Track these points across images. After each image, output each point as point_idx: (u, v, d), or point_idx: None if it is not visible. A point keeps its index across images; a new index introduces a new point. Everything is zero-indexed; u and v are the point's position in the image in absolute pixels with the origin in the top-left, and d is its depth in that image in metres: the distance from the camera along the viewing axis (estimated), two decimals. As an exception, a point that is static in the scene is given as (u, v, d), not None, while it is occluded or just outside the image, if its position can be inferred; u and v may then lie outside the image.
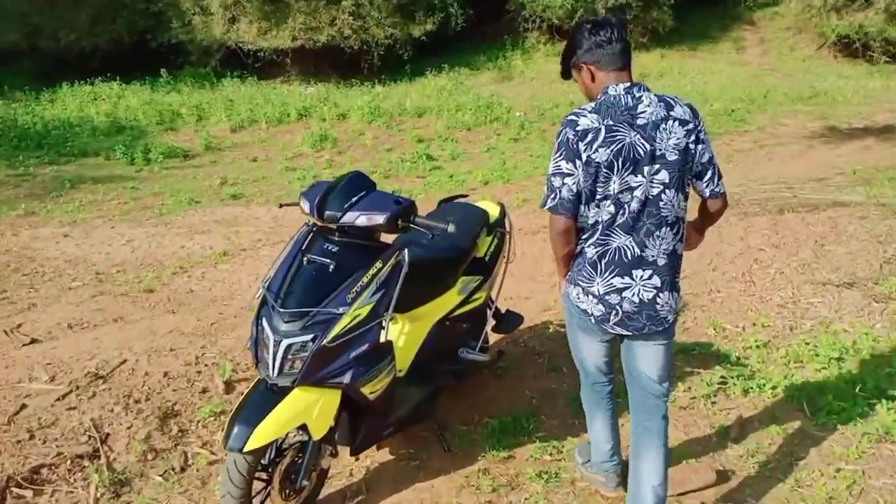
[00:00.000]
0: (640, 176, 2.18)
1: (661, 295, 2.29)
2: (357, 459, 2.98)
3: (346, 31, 15.31)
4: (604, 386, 2.61)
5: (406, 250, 2.48)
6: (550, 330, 4.28)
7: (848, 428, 3.16)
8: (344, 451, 2.75)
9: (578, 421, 3.15)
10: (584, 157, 2.15)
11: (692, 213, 2.41)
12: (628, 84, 2.23)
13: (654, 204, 2.21)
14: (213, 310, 4.52)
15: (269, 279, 2.41)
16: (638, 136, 2.18)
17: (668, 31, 17.50)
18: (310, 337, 2.24)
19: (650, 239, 2.25)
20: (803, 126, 11.70)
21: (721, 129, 11.31)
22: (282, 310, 2.28)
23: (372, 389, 2.46)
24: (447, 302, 2.98)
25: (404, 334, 2.88)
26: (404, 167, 9.41)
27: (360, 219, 2.35)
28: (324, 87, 15.38)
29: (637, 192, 2.19)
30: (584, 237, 2.29)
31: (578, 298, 2.33)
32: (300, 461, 2.51)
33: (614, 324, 2.30)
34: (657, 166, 2.19)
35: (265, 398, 2.32)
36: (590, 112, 2.21)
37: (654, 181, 2.20)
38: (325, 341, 2.25)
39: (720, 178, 2.31)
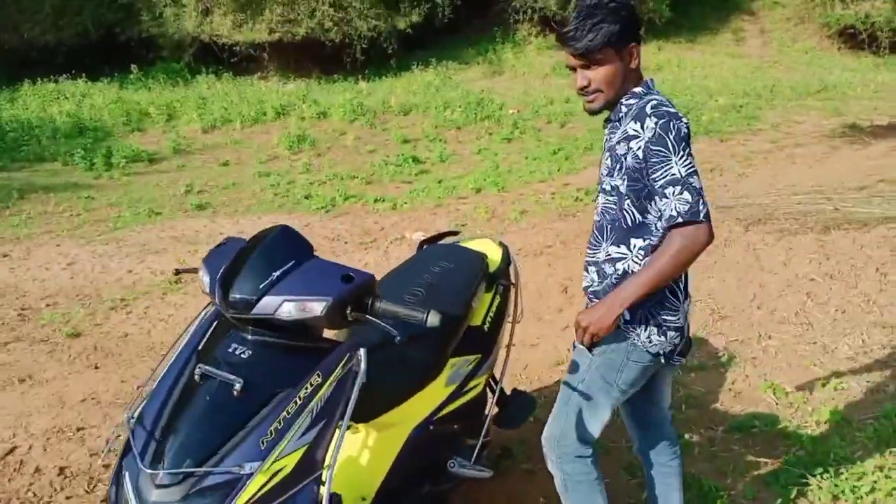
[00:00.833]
0: None
1: None
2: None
3: (326, 23, 14.45)
4: (594, 458, 2.11)
5: (361, 353, 1.63)
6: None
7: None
8: None
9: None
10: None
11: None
12: None
13: None
14: (145, 364, 3.73)
15: (137, 408, 1.60)
16: None
17: (664, 22, 16.73)
18: None
19: None
20: (819, 123, 10.96)
21: (732, 127, 10.56)
22: (149, 470, 1.42)
23: None
24: (430, 398, 2.13)
25: (369, 449, 2.04)
26: (388, 171, 8.61)
27: (286, 307, 1.54)
28: (304, 84, 14.53)
29: None
30: None
31: (650, 341, 1.94)
32: None
33: (680, 352, 2.02)
34: None
35: None
36: (668, 101, 1.90)
37: None
38: None
39: None
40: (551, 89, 13.62)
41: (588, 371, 1.99)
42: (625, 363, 1.96)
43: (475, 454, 2.31)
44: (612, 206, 1.93)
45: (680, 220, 1.73)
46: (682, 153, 1.76)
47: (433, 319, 1.60)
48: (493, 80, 15.29)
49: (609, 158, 1.94)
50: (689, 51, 17.24)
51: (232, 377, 1.50)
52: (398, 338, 1.61)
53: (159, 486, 1.43)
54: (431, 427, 2.13)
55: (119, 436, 1.58)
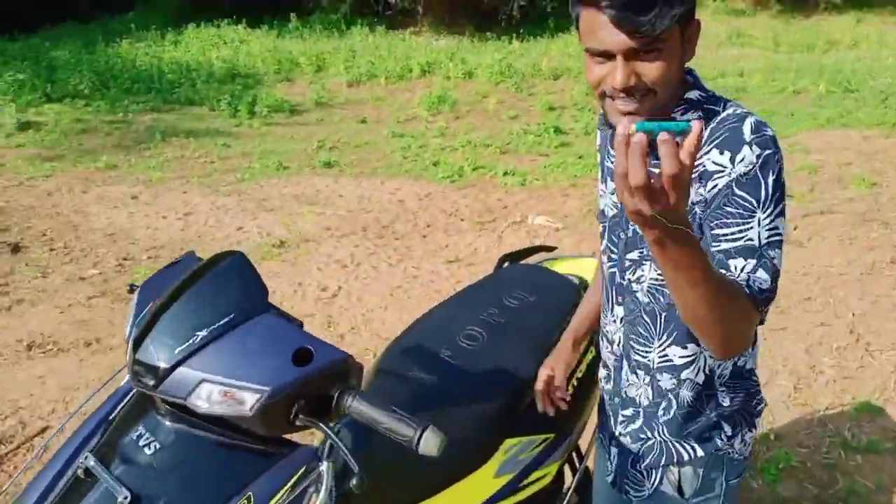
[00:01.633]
0: None
1: None
2: None
3: (484, -24, 13.80)
4: None
5: (323, 467, 1.06)
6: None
7: None
8: None
9: None
10: None
11: None
12: None
13: None
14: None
15: None
16: None
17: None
18: None
19: None
20: None
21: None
22: None
23: None
24: (471, 494, 1.52)
25: None
26: (526, 141, 7.96)
27: (205, 390, 1.03)
28: (455, 41, 14.03)
29: None
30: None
31: (745, 444, 1.44)
32: None
33: None
34: None
35: None
36: None
37: None
38: None
39: None
40: (724, 60, 12.22)
41: None
42: (724, 492, 1.43)
43: None
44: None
45: (750, 298, 1.14)
46: (772, 208, 1.16)
47: (429, 446, 1.02)
48: (659, 47, 13.99)
49: None
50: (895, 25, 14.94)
51: (115, 485, 1.02)
52: (357, 481, 1.04)
53: None
54: None
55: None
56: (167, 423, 1.11)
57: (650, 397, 1.41)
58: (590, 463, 1.86)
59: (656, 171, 0.90)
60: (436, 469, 1.40)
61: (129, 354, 1.10)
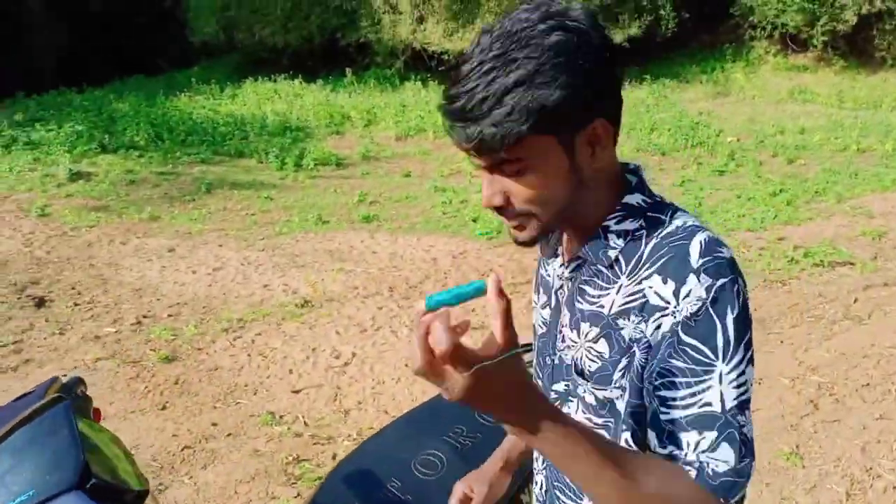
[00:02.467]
0: None
1: None
2: None
3: (539, 33, 13.79)
4: None
5: None
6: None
7: None
8: None
9: None
10: None
11: None
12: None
13: None
14: (215, 412, 3.27)
15: None
16: None
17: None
18: None
19: None
20: None
21: None
22: None
23: None
24: None
25: None
26: (571, 199, 7.72)
27: None
28: (508, 95, 14.01)
29: None
30: None
31: None
32: None
33: None
34: None
35: None
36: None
37: None
38: None
39: None
40: (784, 116, 11.80)
41: None
42: None
43: None
44: (604, 431, 1.02)
45: (698, 480, 0.88)
46: (738, 355, 0.89)
47: None
48: (716, 103, 13.67)
49: (588, 337, 1.00)
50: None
51: None
52: None
53: None
54: None
55: None
56: None
57: None
58: None
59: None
60: None
61: None
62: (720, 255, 0.91)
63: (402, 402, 3.45)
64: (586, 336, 1.01)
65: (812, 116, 11.77)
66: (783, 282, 5.09)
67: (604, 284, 1.00)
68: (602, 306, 0.99)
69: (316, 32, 15.52)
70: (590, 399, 1.02)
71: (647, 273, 0.94)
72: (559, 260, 1.09)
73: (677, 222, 0.96)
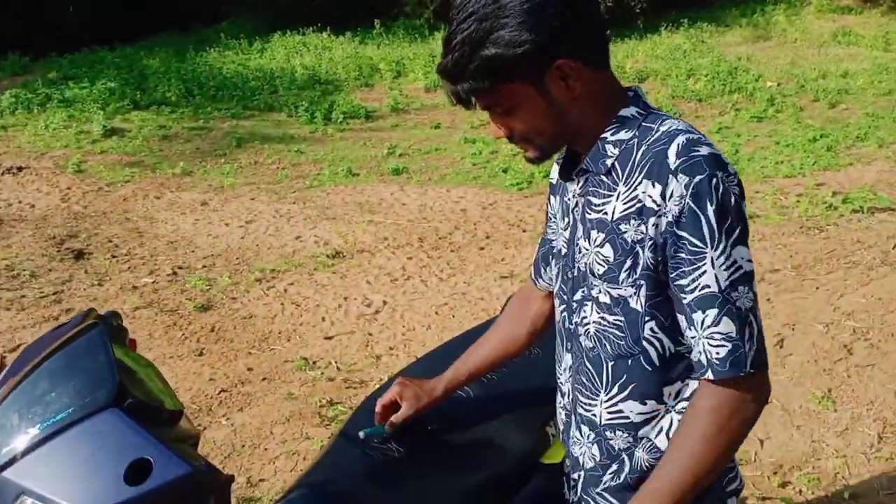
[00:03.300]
0: None
1: None
2: None
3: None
4: None
5: None
6: None
7: None
8: None
9: None
10: None
11: None
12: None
13: None
14: (251, 358, 3.35)
15: None
16: None
17: None
18: None
19: None
20: None
21: None
22: None
23: None
24: None
25: None
26: (603, 148, 7.60)
27: None
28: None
29: None
30: None
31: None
32: None
33: None
34: None
35: None
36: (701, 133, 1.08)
37: None
38: None
39: None
40: (827, 60, 11.38)
41: None
42: None
43: None
44: (616, 330, 1.13)
45: (710, 374, 1.04)
46: (724, 241, 1.02)
47: None
48: (755, 47, 13.21)
49: (596, 243, 1.12)
50: None
51: None
52: None
53: None
54: None
55: None
56: None
57: (596, 458, 1.20)
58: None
59: None
60: None
61: None
62: (696, 153, 1.01)
63: (432, 347, 3.49)
64: (595, 242, 1.11)
65: (856, 60, 11.33)
66: (820, 228, 4.97)
67: (605, 192, 1.10)
68: (606, 213, 1.09)
69: (344, -17, 15.30)
70: (604, 298, 1.12)
71: (639, 179, 1.05)
72: (575, 181, 1.18)
73: (663, 128, 1.07)
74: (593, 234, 1.12)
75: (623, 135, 1.09)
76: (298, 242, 5.08)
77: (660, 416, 1.14)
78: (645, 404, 1.13)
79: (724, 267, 1.01)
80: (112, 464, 0.90)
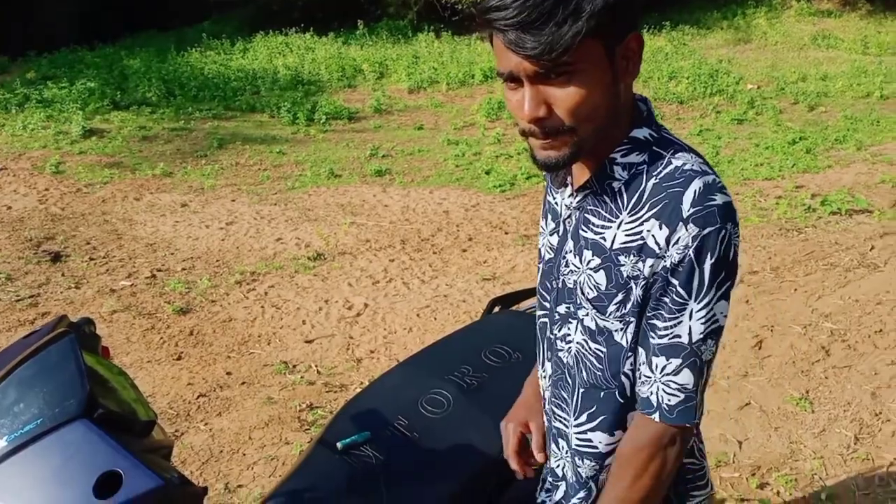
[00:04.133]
0: None
1: None
2: None
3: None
4: None
5: None
6: None
7: None
8: None
9: None
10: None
11: None
12: None
13: None
14: (230, 362, 3.33)
15: None
16: None
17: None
18: None
19: None
20: None
21: None
22: None
23: None
24: None
25: None
26: (585, 150, 7.62)
27: None
28: (522, 45, 13.75)
29: None
30: None
31: None
32: None
33: None
34: None
35: None
36: (714, 172, 1.02)
37: None
38: None
39: None
40: (806, 63, 11.51)
41: None
42: None
43: None
44: (595, 360, 1.11)
45: (657, 417, 1.04)
46: (709, 295, 0.99)
47: None
48: (736, 49, 13.33)
49: (589, 265, 1.07)
50: None
51: None
52: None
53: None
54: None
55: None
56: None
57: (568, 479, 1.20)
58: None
59: None
60: None
61: None
62: (711, 203, 0.96)
63: (413, 351, 3.47)
64: (588, 264, 1.07)
65: (835, 63, 11.47)
66: (799, 230, 5.02)
67: (607, 216, 1.05)
68: (605, 238, 1.05)
69: (327, -16, 15.24)
70: (589, 323, 1.09)
71: (646, 215, 1.00)
72: (568, 190, 1.12)
73: (677, 163, 1.00)
74: (586, 254, 1.07)
75: (634, 158, 1.03)
76: (279, 244, 5.05)
77: None
78: (613, 435, 1.12)
79: (701, 321, 1.00)
80: (81, 476, 0.88)
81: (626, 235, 1.01)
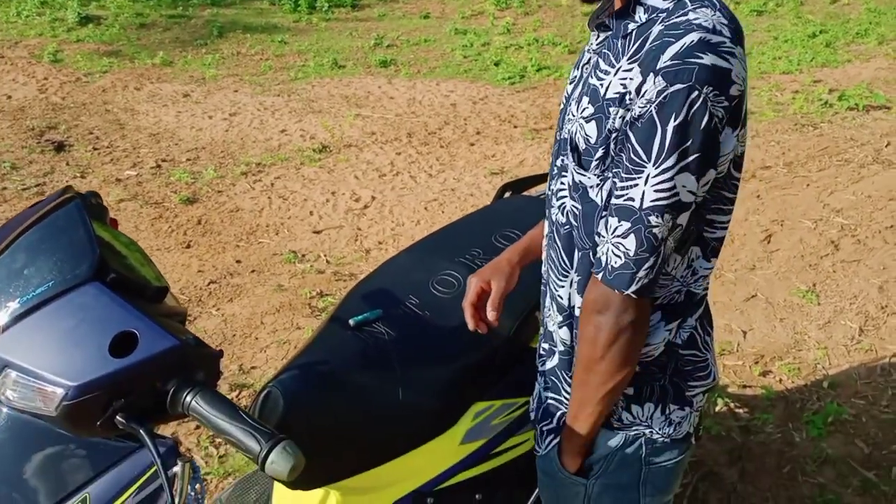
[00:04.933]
0: None
1: None
2: None
3: None
4: None
5: (178, 469, 0.87)
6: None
7: None
8: None
9: None
10: (733, 151, 0.94)
11: None
12: None
13: None
14: (238, 251, 3.33)
15: None
16: None
17: None
18: None
19: None
20: None
21: None
22: None
23: None
24: (433, 459, 1.32)
25: None
26: (597, 41, 7.37)
27: (10, 379, 0.86)
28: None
29: None
30: (692, 309, 1.09)
31: (672, 425, 1.14)
32: None
33: None
34: None
35: None
36: (731, 37, 0.90)
37: None
38: None
39: None
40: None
41: None
42: (645, 473, 1.16)
43: None
44: (572, 217, 1.08)
45: (600, 276, 1.00)
46: (669, 162, 0.89)
47: (277, 468, 0.82)
48: (759, -64, 12.64)
49: (583, 114, 1.00)
50: None
51: None
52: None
53: None
54: (431, 501, 1.34)
55: None
56: (2, 408, 0.94)
57: (566, 341, 1.15)
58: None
59: None
60: (391, 433, 1.26)
61: None
62: (694, 60, 0.86)
63: (421, 241, 3.49)
64: (582, 112, 1.01)
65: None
66: (815, 125, 4.91)
67: (613, 61, 0.98)
68: (602, 85, 0.98)
69: None
70: (570, 178, 1.05)
71: (634, 57, 0.93)
72: (596, 35, 1.06)
73: (692, 15, 0.91)
74: (584, 101, 1.01)
75: (659, 2, 0.94)
76: (284, 136, 4.97)
77: None
78: None
79: (655, 188, 0.90)
80: (96, 336, 0.89)
81: (619, 83, 0.94)
